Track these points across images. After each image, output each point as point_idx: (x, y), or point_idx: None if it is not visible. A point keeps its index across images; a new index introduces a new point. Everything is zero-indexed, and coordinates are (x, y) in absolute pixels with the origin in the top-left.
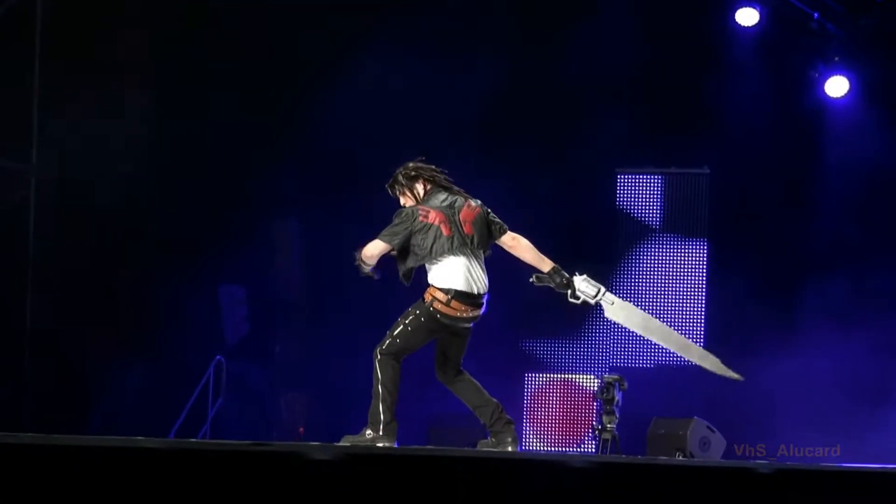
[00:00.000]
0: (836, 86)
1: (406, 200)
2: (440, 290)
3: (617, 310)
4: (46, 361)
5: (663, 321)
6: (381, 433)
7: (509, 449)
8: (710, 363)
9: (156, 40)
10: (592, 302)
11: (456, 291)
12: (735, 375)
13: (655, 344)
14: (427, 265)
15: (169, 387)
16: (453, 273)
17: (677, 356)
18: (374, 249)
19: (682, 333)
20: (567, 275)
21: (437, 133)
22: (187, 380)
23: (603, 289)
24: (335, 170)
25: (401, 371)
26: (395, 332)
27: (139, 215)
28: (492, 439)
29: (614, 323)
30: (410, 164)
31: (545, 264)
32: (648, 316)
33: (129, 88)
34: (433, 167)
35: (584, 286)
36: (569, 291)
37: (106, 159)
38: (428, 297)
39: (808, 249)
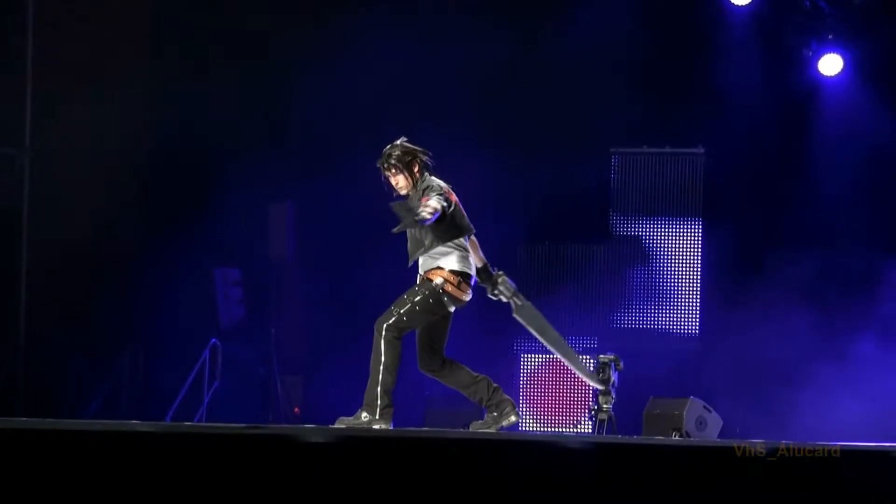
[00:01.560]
0: (830, 64)
1: (399, 181)
2: (452, 272)
3: (523, 311)
4: (41, 345)
5: (659, 300)
6: (377, 416)
7: (512, 418)
8: (585, 373)
9: (151, 21)
10: (506, 300)
11: (466, 274)
12: (599, 386)
13: (651, 324)
14: (442, 247)
15: (165, 370)
16: (464, 256)
17: (675, 336)
18: (437, 205)
19: (678, 313)
20: (492, 273)
21: (432, 111)
22: (183, 363)
23: (516, 289)
24: (330, 152)
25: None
26: (403, 310)
27: (133, 198)
28: (492, 414)
29: (610, 303)
30: (399, 144)
31: (479, 260)
32: (548, 324)
33: (124, 70)
34: (423, 149)
35: (504, 286)
36: (489, 286)
37: (100, 142)
38: (437, 279)
39: (802, 227)
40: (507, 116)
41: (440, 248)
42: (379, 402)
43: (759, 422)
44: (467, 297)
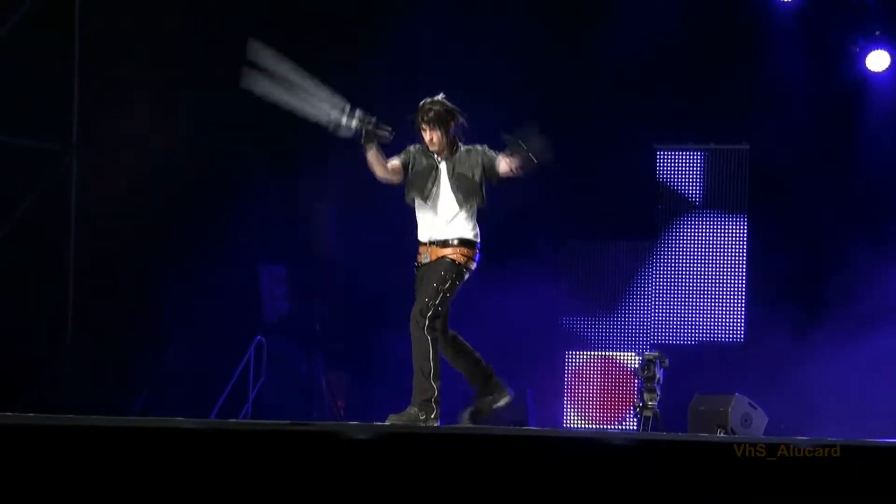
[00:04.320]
0: (878, 60)
1: (433, 137)
2: (466, 244)
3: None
4: (88, 341)
5: (704, 297)
6: (433, 417)
7: (507, 398)
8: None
9: (195, 20)
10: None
11: (476, 243)
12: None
13: (697, 320)
14: (469, 213)
15: (210, 367)
16: (477, 223)
17: (720, 332)
18: None
19: (723, 309)
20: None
21: (475, 106)
22: (228, 360)
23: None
24: None
25: None
26: (437, 300)
27: (179, 194)
28: (486, 398)
29: (656, 299)
30: (440, 100)
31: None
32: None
33: (169, 68)
34: (461, 110)
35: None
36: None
37: (145, 139)
38: (460, 258)
39: (849, 224)
40: (552, 112)
41: (468, 215)
42: (436, 407)
43: (805, 419)
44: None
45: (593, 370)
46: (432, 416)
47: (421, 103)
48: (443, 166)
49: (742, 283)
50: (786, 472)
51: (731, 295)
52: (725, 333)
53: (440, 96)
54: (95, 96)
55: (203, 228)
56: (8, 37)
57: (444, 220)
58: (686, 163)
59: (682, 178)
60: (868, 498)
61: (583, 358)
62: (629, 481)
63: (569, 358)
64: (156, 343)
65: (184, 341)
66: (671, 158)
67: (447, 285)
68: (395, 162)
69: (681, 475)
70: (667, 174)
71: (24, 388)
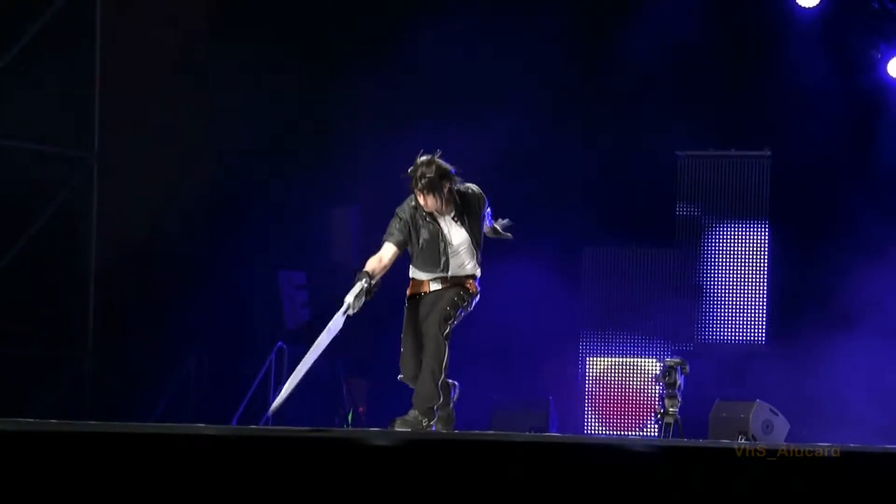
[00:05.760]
0: None
1: (428, 202)
2: (475, 279)
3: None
4: (109, 349)
5: (725, 304)
6: (431, 423)
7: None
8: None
9: (214, 28)
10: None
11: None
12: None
13: (718, 326)
14: (477, 252)
15: (230, 373)
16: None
17: (741, 339)
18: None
19: (744, 316)
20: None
21: (494, 116)
22: (249, 366)
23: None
24: (393, 154)
25: None
26: (456, 312)
27: (199, 201)
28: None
29: (677, 305)
30: (435, 163)
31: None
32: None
33: (189, 75)
34: (454, 168)
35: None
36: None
37: (166, 146)
38: (472, 287)
39: (869, 231)
40: (573, 118)
41: (477, 254)
42: (435, 412)
43: (828, 426)
44: None
45: (614, 377)
46: (432, 423)
47: (413, 167)
48: (444, 224)
49: (763, 289)
50: (786, 473)
51: (752, 301)
52: (747, 340)
53: (435, 156)
54: (117, 103)
55: (224, 234)
56: (30, 45)
57: (455, 264)
58: (707, 168)
59: (703, 183)
60: (867, 499)
61: (604, 364)
62: (651, 487)
63: (590, 365)
64: (176, 349)
65: (205, 347)
66: (693, 164)
67: (465, 303)
68: (390, 251)
69: (702, 481)
70: (688, 180)
71: (45, 392)
